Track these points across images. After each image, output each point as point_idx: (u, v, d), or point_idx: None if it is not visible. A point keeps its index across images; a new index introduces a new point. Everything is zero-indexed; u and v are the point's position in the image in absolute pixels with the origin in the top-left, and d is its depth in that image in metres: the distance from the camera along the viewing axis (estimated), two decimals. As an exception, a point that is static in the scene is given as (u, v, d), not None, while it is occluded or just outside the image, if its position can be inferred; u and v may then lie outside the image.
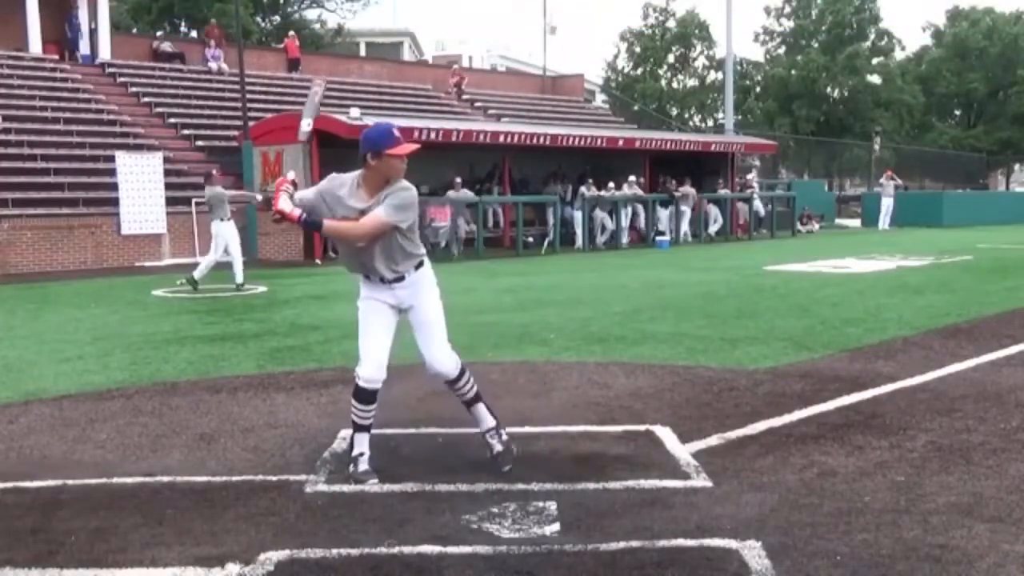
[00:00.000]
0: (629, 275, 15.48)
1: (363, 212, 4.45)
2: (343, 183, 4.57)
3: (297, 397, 6.45)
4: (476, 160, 22.79)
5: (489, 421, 4.79)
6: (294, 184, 4.56)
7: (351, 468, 4.59)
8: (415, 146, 4.58)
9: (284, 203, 4.43)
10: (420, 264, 4.68)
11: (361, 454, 4.60)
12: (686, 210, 24.88)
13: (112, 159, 19.33)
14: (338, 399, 6.29)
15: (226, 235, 13.54)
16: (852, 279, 14.29)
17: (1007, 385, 6.60)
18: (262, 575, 3.51)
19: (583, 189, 22.85)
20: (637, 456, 4.93)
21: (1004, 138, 55.94)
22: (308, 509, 4.20)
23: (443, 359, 4.68)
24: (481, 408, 4.82)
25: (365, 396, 4.60)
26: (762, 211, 27.72)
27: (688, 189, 24.95)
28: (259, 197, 15.23)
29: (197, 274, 13.48)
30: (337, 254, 20.22)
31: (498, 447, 4.74)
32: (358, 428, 4.64)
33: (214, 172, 14.35)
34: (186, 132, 23.54)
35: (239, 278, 13.65)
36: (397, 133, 4.48)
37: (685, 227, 24.90)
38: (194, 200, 19.04)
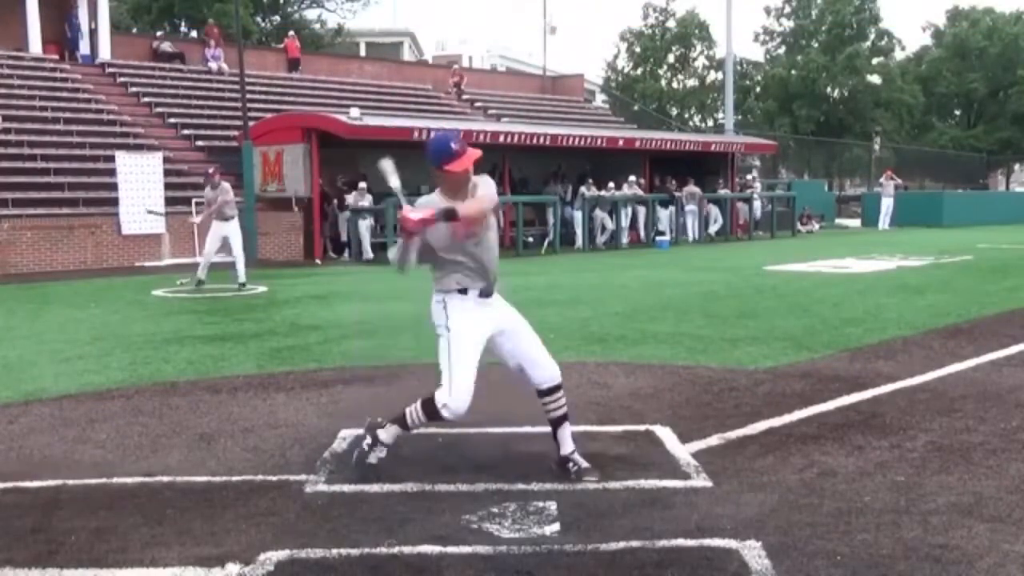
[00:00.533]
0: (629, 275, 15.48)
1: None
2: (429, 201, 4.42)
3: (297, 397, 6.44)
4: (476, 160, 22.77)
5: (571, 445, 4.67)
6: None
7: (364, 446, 4.53)
8: (477, 153, 4.43)
9: (412, 213, 4.23)
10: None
11: (384, 445, 4.54)
12: (694, 208, 24.95)
13: (112, 159, 19.33)
14: (338, 399, 6.30)
15: (228, 233, 13.53)
16: (852, 279, 14.29)
17: (1007, 385, 6.60)
18: (262, 575, 3.51)
19: (583, 189, 22.87)
20: (637, 456, 4.93)
21: (1004, 138, 55.96)
22: (308, 509, 4.20)
23: (555, 365, 4.62)
24: (567, 428, 4.67)
25: (438, 420, 4.50)
26: (759, 212, 27.70)
27: (694, 188, 25.05)
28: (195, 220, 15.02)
29: (201, 274, 13.52)
30: (338, 254, 19.83)
31: (584, 463, 4.61)
32: (404, 427, 4.55)
33: (210, 171, 14.35)
34: (186, 132, 23.55)
35: (242, 277, 13.68)
36: (455, 146, 4.36)
37: (692, 226, 24.92)
38: (194, 200, 19.03)
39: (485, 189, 4.44)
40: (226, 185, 13.79)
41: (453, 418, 4.44)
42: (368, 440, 4.57)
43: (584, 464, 4.61)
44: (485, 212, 4.40)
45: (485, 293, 4.48)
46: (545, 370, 4.59)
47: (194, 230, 19.19)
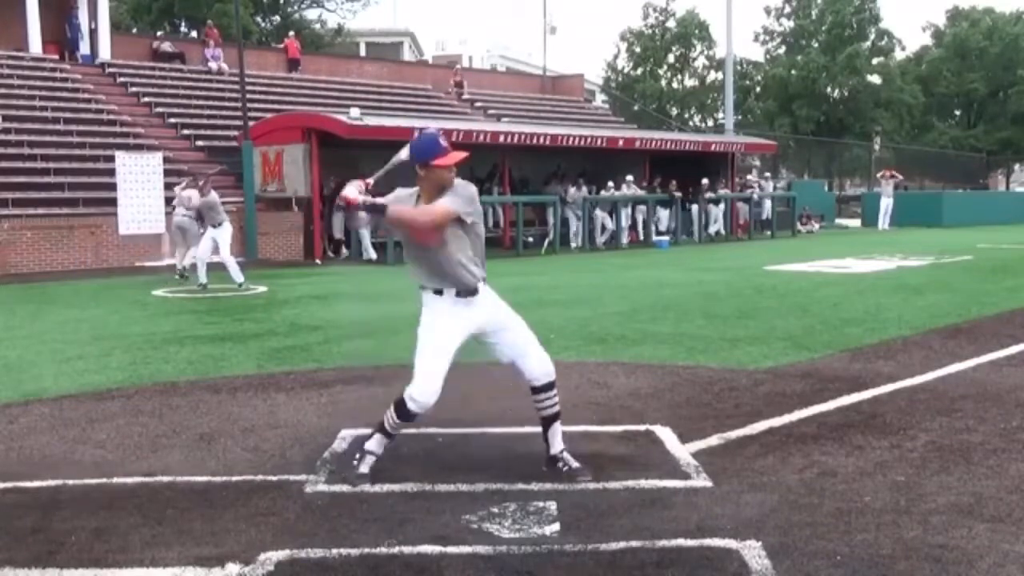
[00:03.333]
0: (629, 275, 15.48)
1: None
2: (408, 196, 4.48)
3: (297, 397, 6.44)
4: (476, 160, 22.76)
5: (560, 444, 4.68)
6: (367, 186, 4.45)
7: (354, 461, 4.54)
8: (462, 155, 4.44)
9: (350, 190, 4.31)
10: (485, 278, 4.59)
11: (371, 454, 4.54)
12: (710, 209, 25.25)
13: (112, 159, 19.31)
14: (338, 399, 6.30)
15: (217, 236, 13.65)
16: (852, 279, 14.28)
17: (1007, 385, 6.60)
18: (262, 575, 3.50)
19: (572, 190, 22.83)
20: (637, 456, 4.93)
21: (1004, 138, 55.95)
22: (308, 509, 4.19)
23: (549, 361, 4.62)
24: (558, 427, 4.68)
25: (409, 417, 4.48)
26: (766, 212, 27.71)
27: (725, 191, 25.87)
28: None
29: (202, 278, 13.56)
30: (336, 253, 19.87)
31: (575, 463, 4.62)
32: (386, 434, 4.55)
33: (201, 183, 14.53)
34: (186, 132, 23.55)
35: (238, 278, 13.77)
36: (443, 142, 4.38)
37: (700, 226, 25.14)
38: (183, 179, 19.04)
39: (440, 203, 4.33)
40: (215, 195, 14.05)
41: (420, 411, 4.43)
42: (357, 454, 4.59)
43: (575, 464, 4.60)
44: (415, 225, 4.38)
45: (461, 294, 4.47)
46: (538, 366, 4.58)
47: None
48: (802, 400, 6.15)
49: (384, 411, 4.57)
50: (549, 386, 4.61)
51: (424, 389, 4.39)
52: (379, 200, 4.35)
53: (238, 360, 7.92)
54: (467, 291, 4.47)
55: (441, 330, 4.44)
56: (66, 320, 10.70)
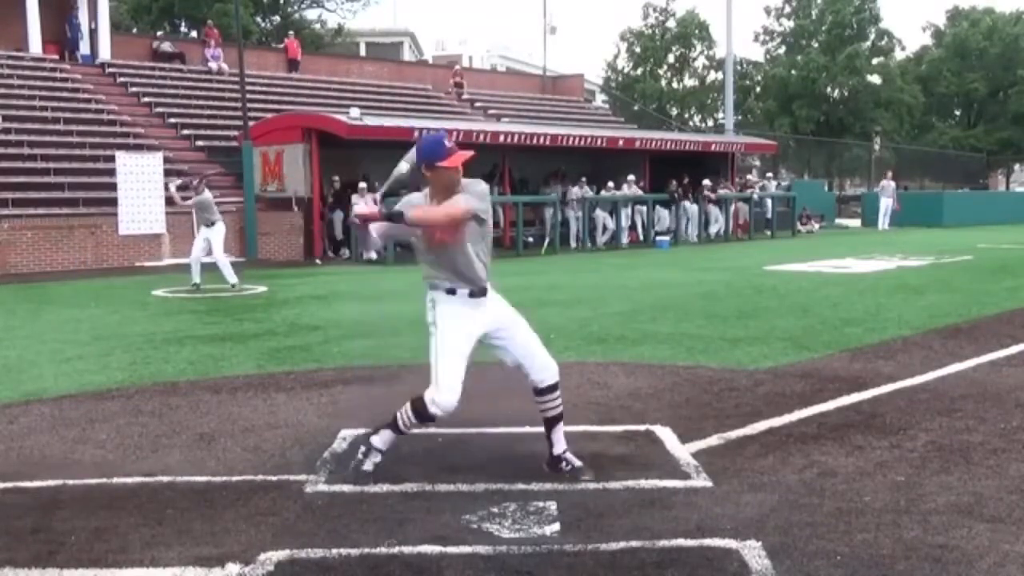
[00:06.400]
0: (629, 275, 15.48)
1: None
2: (420, 199, 4.49)
3: (297, 397, 6.44)
4: (476, 160, 22.67)
5: (563, 444, 4.69)
6: (374, 201, 4.46)
7: (359, 455, 4.52)
8: (468, 154, 4.45)
9: (361, 207, 4.37)
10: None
11: (377, 451, 4.52)
12: (710, 209, 25.37)
13: (112, 159, 19.33)
14: (338, 399, 6.30)
15: (209, 236, 13.68)
16: (852, 279, 14.29)
17: (1007, 385, 6.60)
18: (262, 575, 3.50)
19: (575, 189, 22.80)
20: (637, 456, 4.93)
21: (1004, 138, 55.93)
22: (308, 509, 4.19)
23: (554, 363, 4.64)
24: (561, 428, 4.68)
25: (429, 420, 4.46)
26: (769, 212, 27.73)
27: (727, 191, 25.89)
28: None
29: (196, 277, 13.54)
30: (363, 255, 19.81)
31: (577, 462, 4.64)
32: (397, 432, 4.52)
33: (194, 182, 14.58)
34: (186, 132, 23.55)
35: (231, 279, 13.81)
36: (448, 143, 4.39)
37: (693, 227, 25.13)
38: (171, 184, 19.01)
39: (458, 200, 4.33)
40: (208, 194, 14.03)
41: (442, 414, 4.42)
42: (363, 448, 4.57)
43: (577, 463, 4.62)
44: (436, 222, 4.35)
45: (474, 294, 4.47)
46: (542, 369, 4.60)
47: (194, 230, 19.21)
48: (802, 400, 6.15)
49: (395, 409, 4.54)
50: (553, 387, 4.62)
51: (447, 393, 4.37)
52: (395, 208, 4.35)
53: (238, 360, 7.92)
54: (479, 291, 4.47)
55: (457, 332, 4.42)
56: (66, 320, 10.70)
